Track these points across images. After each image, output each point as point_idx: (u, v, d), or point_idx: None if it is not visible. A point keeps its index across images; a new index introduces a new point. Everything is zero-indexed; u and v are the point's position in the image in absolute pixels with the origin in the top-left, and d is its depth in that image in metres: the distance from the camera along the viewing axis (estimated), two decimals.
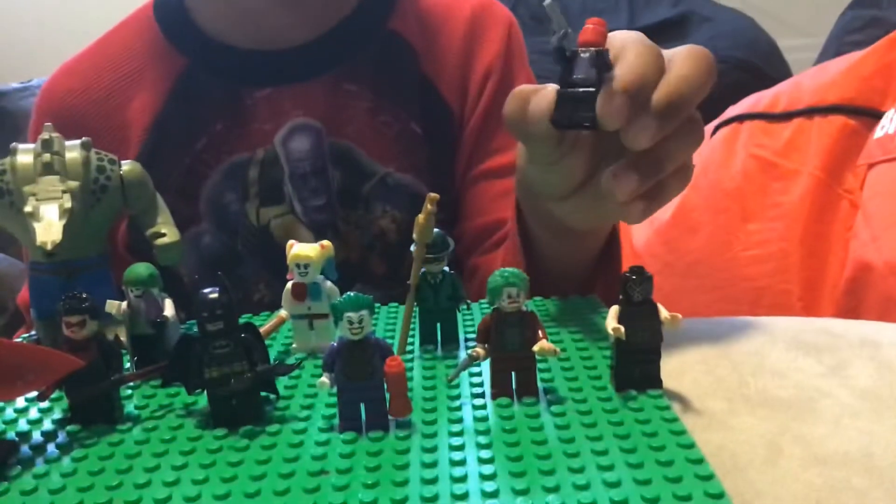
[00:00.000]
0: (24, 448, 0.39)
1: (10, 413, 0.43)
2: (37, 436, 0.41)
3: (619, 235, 0.62)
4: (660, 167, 0.45)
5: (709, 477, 0.33)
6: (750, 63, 1.78)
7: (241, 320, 0.54)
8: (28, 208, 0.47)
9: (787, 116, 1.02)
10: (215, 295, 0.39)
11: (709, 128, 1.16)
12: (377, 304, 0.57)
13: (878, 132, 0.92)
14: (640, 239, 1.12)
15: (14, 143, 0.49)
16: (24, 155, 0.48)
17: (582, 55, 0.43)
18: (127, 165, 0.51)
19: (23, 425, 0.42)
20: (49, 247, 0.45)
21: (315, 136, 0.73)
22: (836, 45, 1.56)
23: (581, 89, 0.43)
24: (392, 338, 0.51)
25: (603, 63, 0.43)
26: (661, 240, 1.09)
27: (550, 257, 0.61)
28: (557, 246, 0.60)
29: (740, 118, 1.08)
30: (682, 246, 1.06)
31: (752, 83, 1.61)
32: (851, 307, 0.87)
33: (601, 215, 0.53)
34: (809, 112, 0.98)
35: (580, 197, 0.51)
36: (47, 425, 0.42)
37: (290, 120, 0.73)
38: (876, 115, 0.93)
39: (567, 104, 0.44)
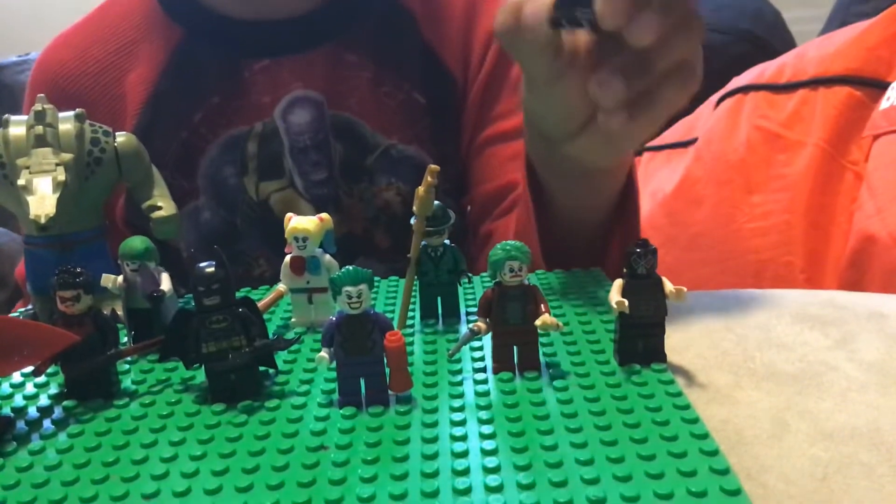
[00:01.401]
0: (20, 424, 0.39)
1: (5, 388, 0.43)
2: (33, 411, 0.40)
3: (636, 180, 0.60)
4: (649, 68, 0.43)
5: (714, 452, 0.32)
6: (754, 34, 1.76)
7: (240, 294, 0.54)
8: (21, 181, 0.46)
9: (791, 87, 1.00)
10: (212, 269, 0.39)
11: (712, 99, 1.14)
12: (377, 278, 0.57)
13: (884, 103, 0.90)
14: (643, 212, 1.11)
15: (6, 115, 0.48)
16: (17, 127, 0.47)
17: None
18: (122, 137, 0.50)
19: (18, 401, 0.41)
20: (43, 220, 0.45)
21: (316, 108, 0.72)
22: (841, 16, 1.54)
23: None
24: (393, 312, 0.50)
25: None
26: (664, 212, 1.08)
27: (566, 209, 0.59)
28: (574, 193, 0.58)
29: (744, 89, 1.07)
30: (686, 218, 1.05)
31: (756, 55, 1.59)
32: (855, 279, 0.86)
33: (615, 147, 0.51)
34: (814, 83, 0.97)
35: (590, 132, 0.48)
36: (43, 401, 0.41)
37: (289, 92, 0.72)
38: (881, 86, 0.92)
39: (565, 4, 0.43)
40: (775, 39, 1.79)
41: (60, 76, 0.74)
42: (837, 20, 1.59)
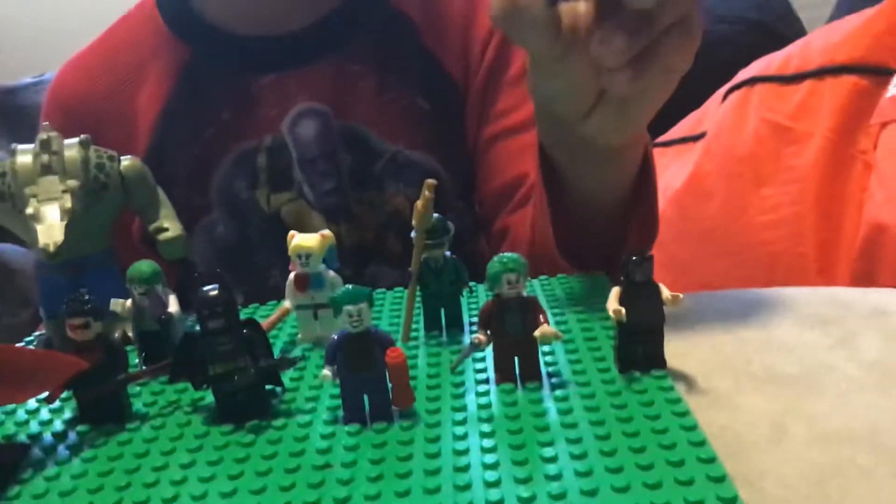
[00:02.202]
0: (35, 450, 0.40)
1: (21, 415, 0.44)
2: (47, 437, 0.41)
3: (652, 159, 0.60)
4: (651, 23, 0.43)
5: (711, 459, 0.33)
6: (763, 24, 1.75)
7: (248, 311, 0.55)
8: (29, 210, 0.47)
9: (797, 78, 1.00)
10: (215, 292, 0.40)
11: (720, 92, 1.14)
12: (383, 290, 0.57)
13: (891, 90, 0.90)
14: None
15: (14, 145, 0.49)
16: (24, 156, 0.49)
17: None
18: (126, 161, 0.51)
19: (34, 427, 0.43)
20: (52, 248, 0.46)
21: (322, 120, 0.73)
22: (848, 2, 1.52)
23: None
24: (398, 323, 0.51)
25: None
26: (674, 207, 1.08)
27: (583, 195, 0.59)
28: (591, 176, 0.58)
29: (751, 81, 1.06)
30: (697, 213, 1.05)
31: (766, 44, 1.58)
32: (867, 269, 0.86)
33: (628, 119, 0.50)
34: (820, 73, 0.97)
35: (602, 107, 0.48)
36: (57, 426, 0.42)
37: (296, 105, 0.73)
38: (888, 73, 0.91)
39: None
40: (784, 27, 1.78)
41: (72, 100, 0.76)
42: (845, 5, 1.58)
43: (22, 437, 0.41)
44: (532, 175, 0.69)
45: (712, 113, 1.14)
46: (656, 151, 1.20)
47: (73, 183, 0.48)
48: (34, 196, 0.47)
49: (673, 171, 1.13)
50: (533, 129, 0.61)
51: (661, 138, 1.20)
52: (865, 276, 0.85)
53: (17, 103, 1.93)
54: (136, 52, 0.76)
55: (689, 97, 1.30)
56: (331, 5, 0.75)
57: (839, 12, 1.55)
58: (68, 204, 0.47)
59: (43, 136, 0.48)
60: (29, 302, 1.53)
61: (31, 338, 0.55)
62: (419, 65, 0.75)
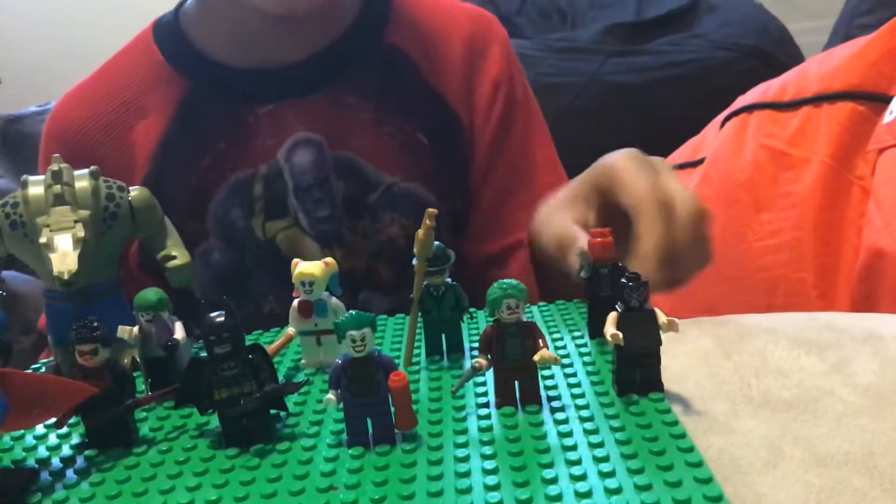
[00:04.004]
0: (44, 474, 0.40)
1: (29, 440, 0.45)
2: (56, 462, 0.42)
3: None
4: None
5: (707, 480, 0.33)
6: (761, 50, 1.77)
7: (251, 337, 0.56)
8: (43, 239, 0.48)
9: (795, 105, 1.01)
10: (221, 319, 0.40)
11: (718, 119, 1.15)
12: (384, 317, 0.58)
13: (887, 117, 0.91)
14: None
15: (24, 176, 0.50)
16: (35, 187, 0.50)
17: (602, 271, 0.49)
18: (135, 191, 0.52)
19: (42, 452, 0.43)
20: (66, 276, 0.47)
21: (316, 149, 0.74)
22: (845, 28, 1.55)
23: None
24: (399, 350, 0.52)
25: (619, 273, 0.46)
26: None
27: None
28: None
29: (749, 108, 1.08)
30: None
31: (764, 70, 1.60)
32: (867, 294, 0.86)
33: None
34: (817, 100, 0.98)
35: None
36: (66, 451, 0.43)
37: (292, 134, 0.74)
38: (884, 100, 0.93)
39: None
40: (782, 54, 1.80)
41: (71, 131, 0.77)
42: (842, 32, 1.60)
43: (30, 462, 0.42)
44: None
45: (710, 139, 1.15)
46: None
47: (84, 213, 0.49)
48: (47, 226, 0.48)
49: None
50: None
51: None
52: (865, 301, 0.86)
53: (23, 131, 1.95)
54: (134, 84, 0.77)
55: (687, 124, 1.32)
56: (327, 41, 0.77)
57: (835, 39, 1.57)
58: (81, 233, 0.48)
59: (54, 167, 0.49)
60: (31, 328, 1.54)
61: (39, 364, 0.55)
62: (422, 102, 0.77)
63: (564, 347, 0.49)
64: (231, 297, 0.74)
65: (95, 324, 0.41)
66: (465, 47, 0.79)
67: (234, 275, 0.75)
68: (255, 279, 0.75)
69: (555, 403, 0.42)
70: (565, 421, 0.40)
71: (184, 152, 0.74)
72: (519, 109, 0.80)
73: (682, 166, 1.16)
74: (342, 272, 0.74)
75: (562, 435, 0.38)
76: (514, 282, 0.41)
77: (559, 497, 0.33)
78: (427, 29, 0.79)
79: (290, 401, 0.45)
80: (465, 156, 0.78)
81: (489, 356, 0.42)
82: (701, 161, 1.12)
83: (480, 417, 0.41)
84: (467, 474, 0.36)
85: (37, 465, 0.41)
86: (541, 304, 0.58)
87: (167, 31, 0.78)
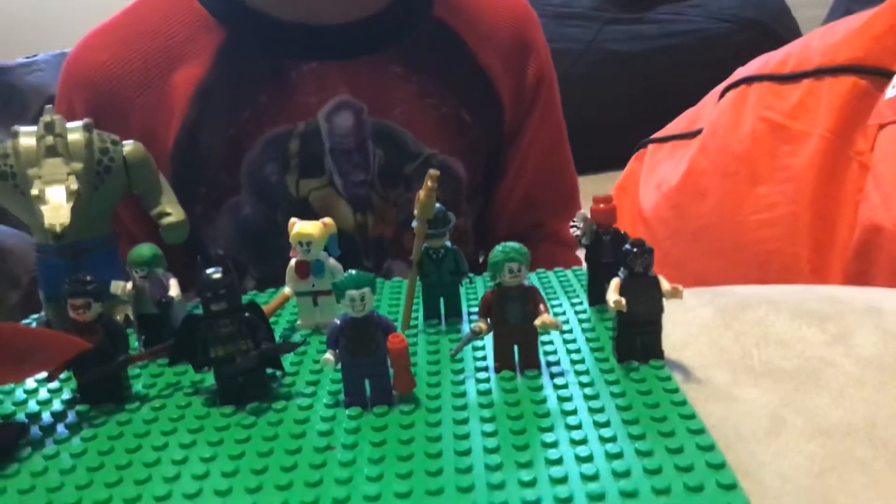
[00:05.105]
0: (34, 429, 0.40)
1: (19, 394, 0.44)
2: (46, 416, 0.41)
3: None
4: None
5: (710, 447, 0.33)
6: (759, 22, 1.76)
7: (247, 297, 0.55)
8: (34, 191, 0.47)
9: (796, 77, 1.00)
10: (218, 275, 0.40)
11: (716, 90, 1.14)
12: (381, 280, 0.57)
13: (890, 92, 0.90)
14: (648, 204, 1.12)
15: (15, 126, 0.49)
16: (27, 137, 0.48)
17: (604, 238, 0.49)
18: (129, 146, 0.51)
19: (32, 406, 0.43)
20: (58, 229, 0.46)
21: (357, 113, 0.73)
22: (845, 3, 1.53)
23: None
24: (397, 313, 0.51)
25: (621, 240, 0.47)
26: (669, 204, 1.08)
27: None
28: None
29: (749, 80, 1.07)
30: (691, 210, 1.06)
31: (761, 43, 1.59)
32: (861, 270, 0.86)
33: None
34: (819, 73, 0.97)
35: None
36: (56, 406, 0.42)
37: (334, 95, 0.73)
38: (887, 75, 0.92)
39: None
40: (780, 26, 1.79)
41: (99, 75, 0.73)
42: (842, 6, 1.59)
43: (20, 417, 0.41)
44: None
45: (708, 111, 1.14)
46: (651, 147, 1.20)
47: (77, 165, 0.48)
48: (38, 178, 0.47)
49: (668, 167, 1.13)
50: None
51: (657, 134, 1.20)
52: (859, 277, 0.86)
53: (9, 84, 1.92)
54: (168, 29, 0.74)
55: (684, 94, 1.31)
56: (374, 8, 0.75)
57: (834, 13, 1.56)
58: (74, 186, 0.47)
59: (47, 118, 0.48)
60: (18, 283, 1.52)
61: (30, 319, 0.55)
62: (468, 78, 0.77)
63: (564, 314, 0.49)
64: (258, 253, 0.74)
65: (88, 278, 0.41)
66: (513, 34, 0.79)
67: (262, 231, 0.74)
68: (284, 236, 0.74)
69: (554, 369, 0.41)
70: (565, 386, 0.39)
71: (224, 103, 0.72)
72: (555, 107, 0.83)
73: (678, 137, 1.15)
74: (371, 238, 0.74)
75: (561, 399, 0.38)
76: (516, 245, 0.40)
77: (560, 461, 0.33)
78: (474, 8, 0.79)
79: (287, 361, 0.44)
80: (501, 138, 0.80)
81: (489, 320, 0.41)
82: (698, 132, 1.11)
83: (479, 381, 0.41)
84: (466, 436, 0.36)
85: (26, 420, 0.41)
86: (539, 270, 0.57)
87: None
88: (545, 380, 0.40)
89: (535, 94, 0.81)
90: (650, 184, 1.15)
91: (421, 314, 0.50)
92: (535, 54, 0.81)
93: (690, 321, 0.47)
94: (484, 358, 0.43)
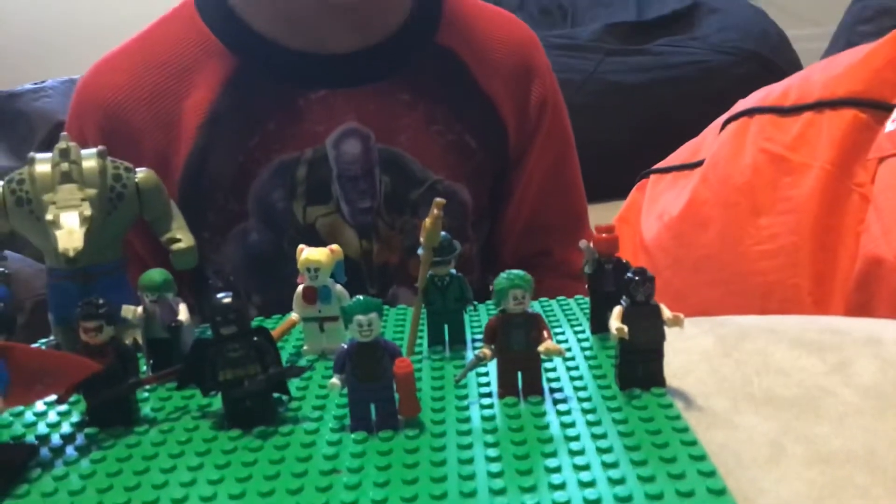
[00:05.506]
0: (44, 451, 0.40)
1: (29, 416, 0.44)
2: (56, 438, 0.42)
3: None
4: None
5: (711, 473, 0.33)
6: (760, 55, 1.78)
7: (255, 322, 0.56)
8: (49, 216, 0.48)
9: (797, 110, 1.01)
10: (228, 300, 0.40)
11: (718, 122, 1.16)
12: (387, 307, 0.58)
13: (889, 125, 0.91)
14: (650, 234, 1.13)
15: (31, 153, 0.50)
16: (42, 164, 0.49)
17: (606, 267, 0.49)
18: (142, 173, 0.52)
19: (42, 428, 0.43)
20: (71, 254, 0.46)
21: (365, 141, 0.74)
22: (846, 35, 1.55)
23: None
24: (401, 339, 0.52)
25: (623, 269, 0.46)
26: (671, 234, 1.09)
27: None
28: None
29: (750, 112, 1.08)
30: (693, 241, 1.06)
31: (762, 75, 1.61)
32: (863, 302, 0.86)
33: None
34: (819, 105, 0.98)
35: None
36: (66, 428, 0.43)
37: (342, 123, 0.74)
38: (887, 108, 0.93)
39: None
40: (780, 59, 1.81)
41: (110, 101, 0.74)
42: (842, 39, 1.61)
43: (30, 439, 0.42)
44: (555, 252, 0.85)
45: (710, 142, 1.15)
46: (653, 177, 1.22)
47: (91, 192, 0.49)
48: (53, 203, 0.48)
49: (670, 197, 1.14)
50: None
51: (659, 165, 1.22)
52: (861, 308, 0.86)
53: (18, 110, 1.93)
54: (179, 56, 0.75)
55: (685, 126, 1.33)
56: (378, 36, 0.76)
57: (835, 46, 1.58)
58: (88, 211, 0.48)
59: (63, 144, 0.49)
60: (21, 307, 1.53)
61: (39, 343, 0.55)
62: (473, 104, 0.78)
63: (566, 341, 0.49)
64: (264, 279, 0.75)
65: (101, 301, 0.41)
66: (516, 59, 0.80)
67: (269, 257, 0.75)
68: (292, 263, 0.75)
69: (557, 395, 0.42)
70: (568, 412, 0.40)
71: (233, 129, 0.73)
72: (561, 130, 0.85)
73: (680, 168, 1.16)
74: (376, 265, 0.75)
75: (564, 425, 0.39)
76: (520, 272, 0.41)
77: (563, 486, 0.34)
78: (478, 34, 0.80)
79: (293, 386, 0.45)
80: (506, 162, 0.81)
81: (493, 346, 0.42)
82: (700, 163, 1.12)
83: (483, 407, 0.41)
84: (470, 461, 0.36)
85: (36, 442, 0.41)
86: (542, 299, 0.58)
87: (212, 5, 0.76)
88: (548, 406, 0.41)
89: (538, 117, 0.81)
90: (652, 214, 1.16)
91: (426, 340, 0.50)
92: (539, 79, 0.82)
93: (691, 349, 0.47)
94: (488, 384, 0.44)
